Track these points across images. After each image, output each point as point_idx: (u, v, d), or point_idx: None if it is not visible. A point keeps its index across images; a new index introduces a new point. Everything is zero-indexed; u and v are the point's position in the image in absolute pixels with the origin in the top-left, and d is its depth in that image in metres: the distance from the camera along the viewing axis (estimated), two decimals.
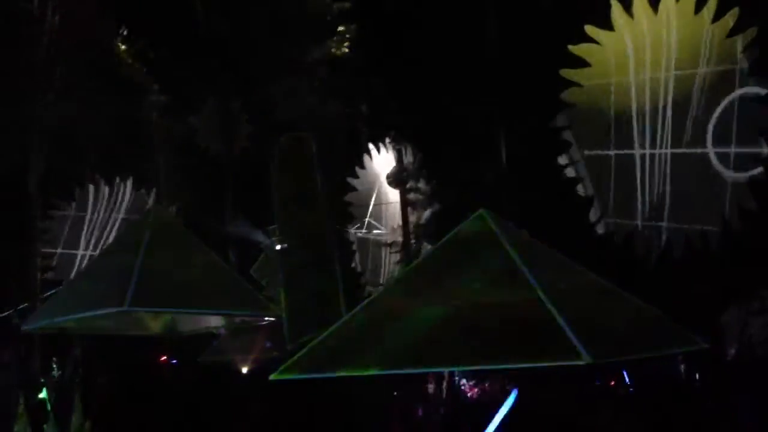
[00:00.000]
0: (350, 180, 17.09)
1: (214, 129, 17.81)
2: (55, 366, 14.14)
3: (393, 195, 16.40)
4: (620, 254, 12.47)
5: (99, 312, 12.58)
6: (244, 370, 13.85)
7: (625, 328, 9.11)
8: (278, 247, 14.85)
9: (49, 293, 14.52)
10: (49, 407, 12.06)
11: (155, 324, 14.01)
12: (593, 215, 12.88)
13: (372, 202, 16.85)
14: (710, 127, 11.65)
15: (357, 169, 17.12)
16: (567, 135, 13.26)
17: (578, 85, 12.67)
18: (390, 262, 16.62)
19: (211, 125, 17.85)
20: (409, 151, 15.88)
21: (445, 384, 11.39)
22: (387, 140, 16.31)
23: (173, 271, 12.68)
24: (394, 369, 9.17)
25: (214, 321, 14.53)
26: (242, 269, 15.03)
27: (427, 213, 15.50)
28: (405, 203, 15.79)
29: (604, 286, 9.71)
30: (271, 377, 9.30)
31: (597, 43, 12.64)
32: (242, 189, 16.63)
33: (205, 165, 16.90)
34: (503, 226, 9.69)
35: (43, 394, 13.29)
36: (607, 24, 12.43)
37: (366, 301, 10.31)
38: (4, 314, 14.90)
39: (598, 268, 9.62)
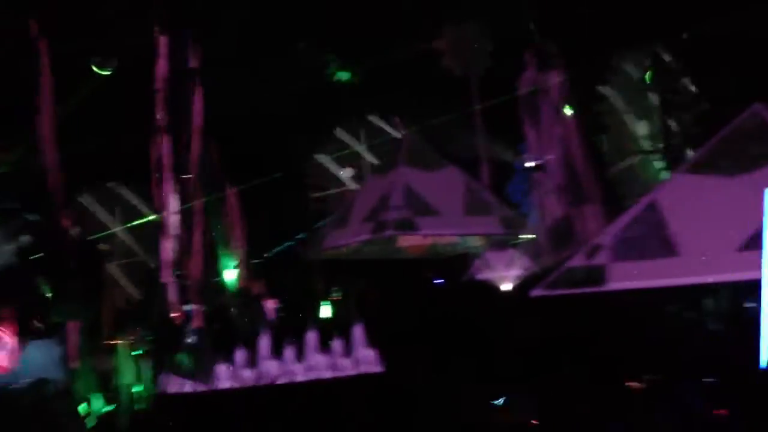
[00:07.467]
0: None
1: (458, 50, 17.85)
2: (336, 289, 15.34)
3: None
4: None
5: (363, 238, 13.56)
6: (505, 287, 14.09)
7: None
8: (530, 164, 14.69)
9: (321, 223, 15.74)
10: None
11: (420, 246, 14.72)
12: None
13: None
14: None
15: None
16: None
17: None
18: None
19: (454, 47, 17.90)
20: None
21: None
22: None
23: (429, 195, 13.22)
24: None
25: (473, 241, 14.91)
26: (496, 188, 15.13)
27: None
28: (668, 106, 14.83)
29: None
30: (534, 293, 9.44)
31: None
32: (490, 108, 16.60)
33: (451, 86, 17.04)
34: None
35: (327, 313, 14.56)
36: None
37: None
38: (285, 244, 16.46)
39: None
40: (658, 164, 15.39)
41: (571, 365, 10.12)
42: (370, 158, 18.13)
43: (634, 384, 9.79)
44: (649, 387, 9.73)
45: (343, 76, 17.53)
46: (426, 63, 17.01)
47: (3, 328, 11.97)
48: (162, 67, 14.29)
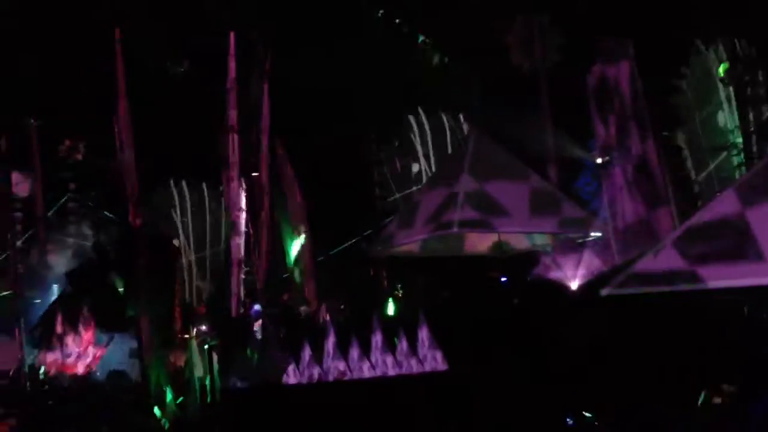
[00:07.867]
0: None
1: (526, 46, 17.62)
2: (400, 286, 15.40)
3: None
4: None
5: (431, 235, 13.51)
6: (573, 285, 13.83)
7: None
8: (599, 160, 14.36)
9: (387, 221, 15.76)
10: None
11: (485, 244, 14.58)
12: None
13: None
14: None
15: None
16: None
17: None
18: None
19: (522, 43, 17.66)
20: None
21: None
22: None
23: (495, 193, 13.07)
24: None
25: (540, 239, 14.68)
26: (565, 186, 14.85)
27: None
28: (745, 101, 14.30)
29: None
30: (603, 292, 9.19)
31: None
32: (558, 104, 16.30)
33: (517, 84, 16.83)
34: None
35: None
36: None
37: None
38: (351, 242, 16.59)
39: None
40: (736, 160, 14.86)
41: (641, 369, 9.86)
42: (436, 154, 18.12)
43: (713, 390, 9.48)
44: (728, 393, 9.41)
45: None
46: (494, 58, 16.89)
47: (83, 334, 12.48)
48: (232, 66, 14.53)
